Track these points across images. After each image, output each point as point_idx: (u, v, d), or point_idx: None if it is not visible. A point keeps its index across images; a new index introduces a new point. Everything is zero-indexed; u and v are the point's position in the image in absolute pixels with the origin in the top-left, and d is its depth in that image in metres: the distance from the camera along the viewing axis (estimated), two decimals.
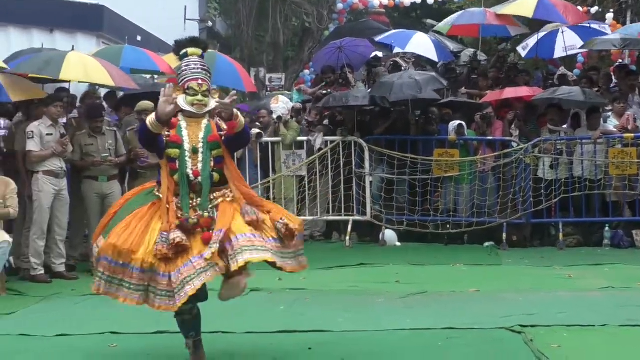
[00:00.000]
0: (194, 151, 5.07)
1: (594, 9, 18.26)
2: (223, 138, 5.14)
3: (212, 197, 5.08)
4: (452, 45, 15.55)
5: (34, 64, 9.48)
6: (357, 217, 11.67)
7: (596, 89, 12.74)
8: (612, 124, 11.68)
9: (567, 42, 14.36)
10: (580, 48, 14.32)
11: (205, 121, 5.16)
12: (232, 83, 13.19)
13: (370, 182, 11.74)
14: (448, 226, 11.63)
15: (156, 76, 12.75)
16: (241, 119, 5.08)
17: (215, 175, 5.09)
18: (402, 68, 13.77)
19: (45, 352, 5.96)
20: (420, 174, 11.54)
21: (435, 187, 11.73)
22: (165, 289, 4.83)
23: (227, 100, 5.07)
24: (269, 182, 11.96)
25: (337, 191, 11.74)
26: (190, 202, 5.04)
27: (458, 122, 11.55)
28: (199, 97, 5.08)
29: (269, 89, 18.17)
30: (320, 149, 11.74)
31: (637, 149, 11.19)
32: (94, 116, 9.78)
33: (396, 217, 11.55)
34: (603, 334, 6.07)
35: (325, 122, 12.39)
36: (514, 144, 11.53)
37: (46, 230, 9.20)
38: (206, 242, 4.85)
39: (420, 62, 14.13)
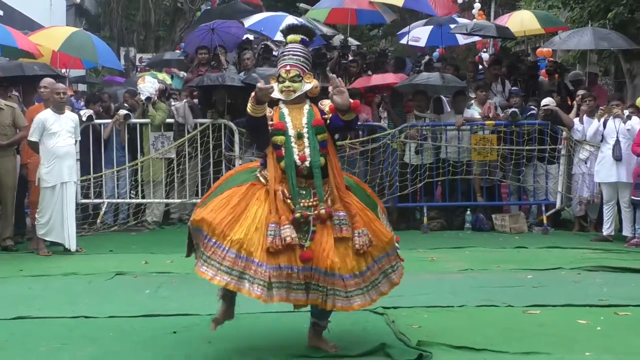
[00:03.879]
0: (299, 136, 5.04)
1: None
2: (328, 122, 5.07)
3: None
4: (325, 29, 15.65)
5: None
6: None
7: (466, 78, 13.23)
8: (475, 111, 12.07)
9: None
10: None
11: (307, 106, 5.15)
12: (112, 63, 12.90)
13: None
14: None
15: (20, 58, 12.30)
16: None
17: (322, 160, 5.04)
18: (273, 52, 13.75)
19: None
20: None
21: None
22: (262, 278, 4.75)
23: (336, 85, 4.94)
24: (137, 164, 11.77)
25: (206, 174, 11.67)
26: (299, 188, 4.99)
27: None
28: (287, 83, 5.05)
29: (139, 69, 17.83)
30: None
31: (497, 136, 11.62)
32: None
33: None
34: (461, 314, 6.29)
35: (195, 101, 12.31)
36: (382, 130, 11.76)
37: None
38: (304, 260, 4.80)
39: None
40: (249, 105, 4.98)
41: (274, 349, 5.30)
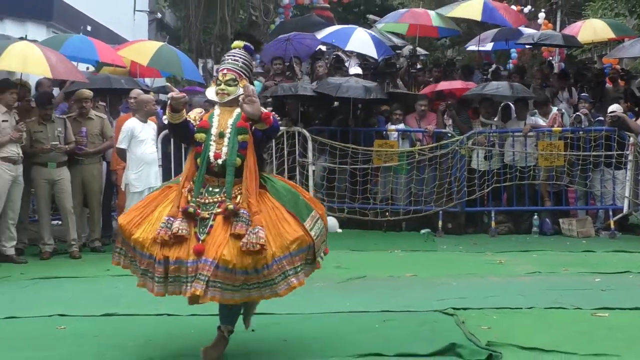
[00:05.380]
0: (221, 135, 5.10)
1: (527, 9, 18.79)
2: (253, 128, 5.09)
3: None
4: (396, 40, 15.84)
5: None
6: None
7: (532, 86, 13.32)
8: (540, 119, 12.20)
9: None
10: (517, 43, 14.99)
11: (238, 110, 5.14)
12: (194, 75, 13.35)
13: (313, 171, 11.97)
14: (387, 214, 11.96)
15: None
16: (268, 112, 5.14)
17: (238, 160, 5.06)
18: (345, 61, 14.01)
19: None
20: (360, 163, 11.85)
21: (375, 176, 12.06)
22: (158, 275, 4.89)
23: (247, 95, 4.96)
24: None
25: None
26: (211, 186, 5.08)
27: None
28: (222, 86, 5.14)
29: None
30: None
31: (564, 142, 11.69)
32: (43, 103, 9.75)
33: (337, 205, 11.77)
34: (530, 316, 6.31)
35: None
36: (449, 135, 11.94)
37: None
38: (196, 253, 4.83)
39: (363, 55, 14.37)
40: (167, 113, 5.09)
41: (342, 349, 5.42)
